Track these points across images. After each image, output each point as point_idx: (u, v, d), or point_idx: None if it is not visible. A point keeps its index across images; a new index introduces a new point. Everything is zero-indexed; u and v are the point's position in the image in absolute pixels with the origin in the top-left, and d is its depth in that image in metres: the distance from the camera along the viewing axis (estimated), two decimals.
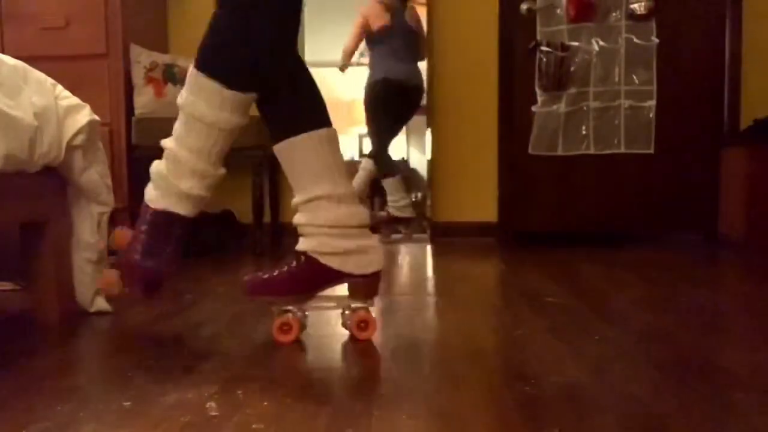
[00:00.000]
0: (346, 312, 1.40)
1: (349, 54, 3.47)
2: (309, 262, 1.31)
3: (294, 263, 1.32)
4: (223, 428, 0.87)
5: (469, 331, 1.42)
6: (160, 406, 0.96)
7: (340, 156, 1.32)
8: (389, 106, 3.28)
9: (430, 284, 2.04)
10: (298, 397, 1.00)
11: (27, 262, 1.55)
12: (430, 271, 2.33)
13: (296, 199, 1.32)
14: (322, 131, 1.29)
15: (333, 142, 1.31)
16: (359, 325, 1.35)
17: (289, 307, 1.35)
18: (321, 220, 1.29)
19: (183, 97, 1.27)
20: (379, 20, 3.29)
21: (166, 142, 1.31)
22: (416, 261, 2.62)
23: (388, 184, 3.33)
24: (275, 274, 1.32)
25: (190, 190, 1.29)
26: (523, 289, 1.91)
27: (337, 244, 1.29)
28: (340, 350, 1.28)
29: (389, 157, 3.33)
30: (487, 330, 1.45)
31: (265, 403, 0.97)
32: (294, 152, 1.29)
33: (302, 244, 1.32)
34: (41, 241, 1.53)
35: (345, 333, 1.41)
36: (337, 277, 1.31)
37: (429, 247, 3.04)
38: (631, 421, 0.88)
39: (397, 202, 3.34)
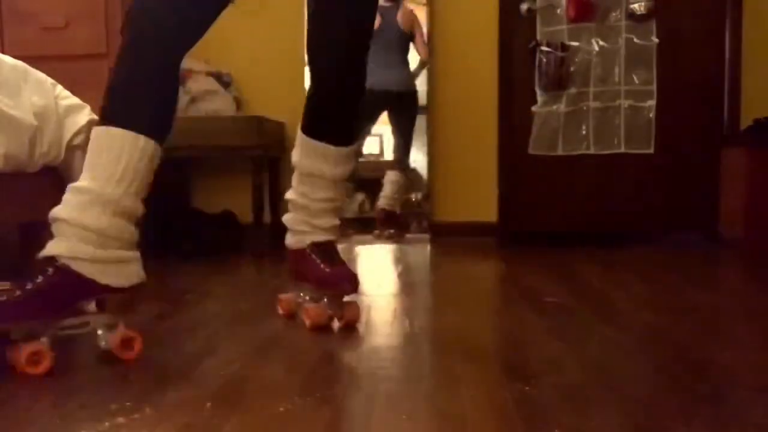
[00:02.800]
0: (102, 332, 1.19)
1: None
2: (60, 272, 1.12)
3: (40, 277, 1.11)
4: (223, 428, 0.87)
5: (469, 331, 1.42)
6: (160, 406, 0.96)
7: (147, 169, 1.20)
8: (367, 114, 3.29)
9: (430, 284, 2.04)
10: (298, 397, 1.00)
11: (27, 262, 1.54)
12: (430, 271, 2.33)
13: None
14: (140, 136, 1.17)
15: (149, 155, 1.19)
16: (124, 343, 1.18)
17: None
18: (86, 219, 1.13)
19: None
20: None
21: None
22: (416, 261, 2.62)
23: (391, 175, 3.35)
24: (17, 293, 1.09)
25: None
26: (523, 289, 1.91)
27: (96, 252, 1.13)
28: (340, 350, 1.28)
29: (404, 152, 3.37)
30: (487, 330, 1.45)
31: (265, 404, 0.97)
32: (114, 140, 1.16)
33: (53, 247, 1.13)
34: (41, 241, 1.53)
35: (344, 333, 1.41)
36: (93, 291, 1.15)
37: (429, 247, 3.04)
38: (631, 421, 0.88)
39: (389, 195, 3.36)
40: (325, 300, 1.43)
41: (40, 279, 1.11)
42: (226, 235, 3.02)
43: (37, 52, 2.69)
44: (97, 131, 1.18)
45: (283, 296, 1.56)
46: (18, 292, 1.09)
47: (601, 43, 3.15)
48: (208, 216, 3.05)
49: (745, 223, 2.85)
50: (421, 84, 3.32)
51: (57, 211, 1.16)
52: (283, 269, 2.39)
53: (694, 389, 1.02)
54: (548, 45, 3.14)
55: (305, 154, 1.46)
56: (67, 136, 1.50)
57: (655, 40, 3.12)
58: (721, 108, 3.15)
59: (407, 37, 3.33)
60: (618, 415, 0.91)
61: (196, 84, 2.93)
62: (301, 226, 1.47)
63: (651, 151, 3.16)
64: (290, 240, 1.50)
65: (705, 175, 3.15)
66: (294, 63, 3.27)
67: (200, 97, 2.92)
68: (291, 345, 1.31)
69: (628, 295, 1.81)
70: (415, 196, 3.44)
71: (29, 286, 1.10)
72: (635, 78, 3.14)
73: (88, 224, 1.13)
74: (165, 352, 1.26)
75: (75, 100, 1.56)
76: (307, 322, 1.41)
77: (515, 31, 3.21)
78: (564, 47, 3.14)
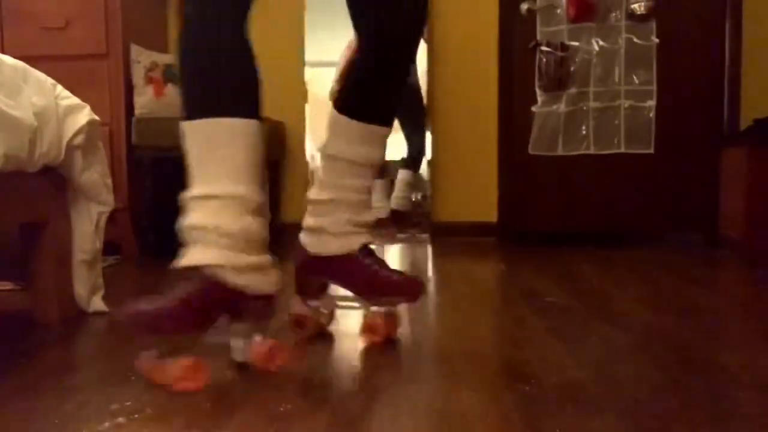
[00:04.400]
0: (239, 343, 1.13)
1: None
2: (207, 282, 1.06)
3: (186, 286, 1.06)
4: (223, 428, 0.87)
5: (469, 331, 1.42)
6: (160, 406, 0.96)
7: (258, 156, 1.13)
8: None
9: (430, 284, 2.04)
10: (298, 397, 1.00)
11: (27, 262, 1.55)
12: (430, 271, 2.33)
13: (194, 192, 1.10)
14: (245, 121, 1.10)
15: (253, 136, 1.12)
16: (269, 354, 1.11)
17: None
18: (223, 223, 1.07)
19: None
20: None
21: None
22: (416, 261, 2.62)
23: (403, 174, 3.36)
24: (165, 304, 1.04)
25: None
26: (523, 289, 1.91)
27: (240, 258, 1.07)
28: (341, 351, 1.28)
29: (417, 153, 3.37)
30: (487, 330, 1.45)
31: (265, 404, 0.97)
32: (212, 134, 1.09)
33: (201, 256, 1.07)
34: (41, 241, 1.53)
35: (345, 333, 1.41)
36: (239, 300, 1.08)
37: (429, 247, 3.04)
38: (631, 421, 0.88)
39: (397, 194, 3.36)
40: (373, 309, 1.31)
41: (191, 288, 1.04)
42: None
43: (37, 52, 2.69)
44: (197, 128, 1.09)
45: (299, 309, 1.36)
46: (163, 303, 1.03)
47: (601, 43, 3.15)
48: None
49: (745, 223, 2.85)
50: (421, 84, 3.32)
51: (189, 220, 1.10)
52: (285, 270, 2.39)
53: (694, 389, 1.02)
54: (548, 45, 3.14)
55: (353, 141, 1.26)
56: (67, 136, 1.50)
57: (655, 40, 3.12)
58: (721, 108, 3.15)
59: None
60: (618, 414, 0.91)
61: None
62: (345, 227, 1.28)
63: (651, 151, 3.16)
64: (330, 246, 1.28)
65: (705, 175, 3.15)
66: (294, 63, 3.27)
67: None
68: (291, 345, 1.31)
69: (628, 295, 1.81)
70: (415, 196, 3.44)
71: (175, 295, 1.04)
72: (635, 78, 3.14)
73: (226, 228, 1.06)
74: (165, 352, 1.26)
75: (75, 100, 1.56)
76: (376, 338, 1.30)
77: (515, 31, 3.21)
78: (564, 47, 3.14)
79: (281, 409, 0.94)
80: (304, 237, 1.34)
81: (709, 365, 1.15)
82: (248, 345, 1.11)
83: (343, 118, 1.27)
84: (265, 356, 1.10)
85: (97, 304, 1.62)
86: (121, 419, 0.90)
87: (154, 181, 2.98)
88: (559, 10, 3.16)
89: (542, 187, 3.25)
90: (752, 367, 1.13)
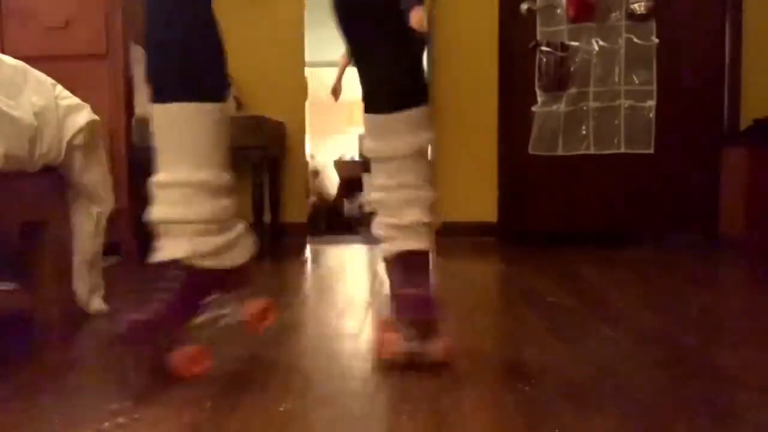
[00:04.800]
0: (231, 308, 1.22)
1: (337, 91, 3.54)
2: (189, 273, 1.08)
3: (174, 283, 1.07)
4: (223, 428, 0.87)
5: (469, 331, 1.42)
6: (160, 406, 0.96)
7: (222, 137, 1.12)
8: None
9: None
10: (298, 397, 1.00)
11: (27, 262, 1.55)
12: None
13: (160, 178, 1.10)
14: (202, 105, 1.09)
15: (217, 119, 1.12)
16: (260, 313, 1.20)
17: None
18: (191, 214, 1.08)
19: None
20: None
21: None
22: None
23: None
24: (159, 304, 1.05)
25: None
26: (523, 289, 1.91)
27: (216, 241, 1.10)
28: (340, 350, 1.28)
29: None
30: (487, 330, 1.45)
31: (265, 404, 0.97)
32: (176, 118, 1.09)
33: (173, 250, 1.08)
34: (41, 241, 1.53)
35: (344, 334, 1.41)
36: (223, 280, 1.13)
37: None
38: (631, 421, 0.88)
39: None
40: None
41: (174, 285, 1.06)
42: None
43: (37, 52, 2.69)
44: (156, 112, 1.09)
45: (387, 336, 1.16)
46: (155, 305, 1.04)
47: (601, 43, 3.15)
48: None
49: (745, 223, 2.85)
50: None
51: (158, 213, 1.09)
52: (285, 270, 2.40)
53: (694, 389, 1.02)
54: (548, 45, 3.14)
55: (372, 137, 1.23)
56: (67, 136, 1.50)
57: (655, 40, 3.12)
58: (721, 108, 3.15)
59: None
60: (618, 415, 0.91)
61: None
62: (379, 230, 1.24)
63: (651, 151, 3.16)
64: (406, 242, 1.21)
65: (705, 175, 3.15)
66: (294, 63, 3.27)
67: None
68: (291, 345, 1.31)
69: (628, 295, 1.81)
70: None
71: (165, 295, 1.05)
72: (635, 78, 3.14)
73: (199, 217, 1.07)
74: (165, 352, 1.25)
75: (75, 100, 1.55)
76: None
77: (515, 31, 3.21)
78: (564, 47, 3.14)
79: (281, 409, 0.94)
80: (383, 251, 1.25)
81: (709, 365, 1.15)
82: (241, 306, 1.18)
83: (366, 118, 1.24)
84: (259, 315, 1.19)
85: (97, 304, 1.62)
86: (121, 419, 0.90)
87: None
88: (559, 10, 3.16)
89: (542, 187, 3.25)
90: (752, 368, 1.13)
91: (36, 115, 1.39)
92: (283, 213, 3.30)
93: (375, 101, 1.21)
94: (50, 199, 1.54)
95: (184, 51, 1.09)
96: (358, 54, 1.24)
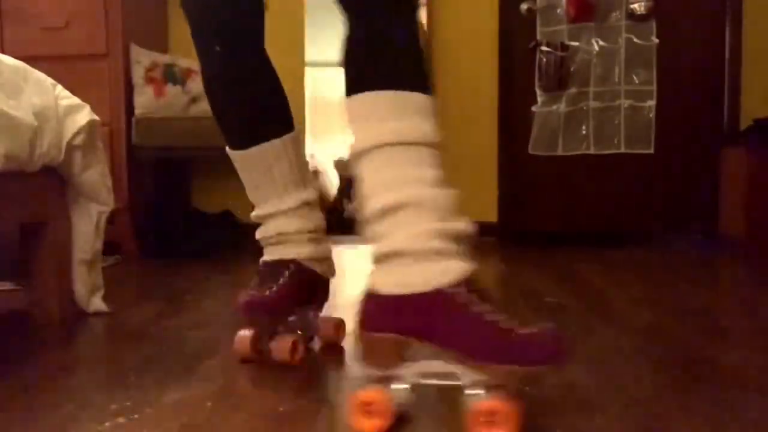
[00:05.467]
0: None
1: None
2: (299, 268, 1.23)
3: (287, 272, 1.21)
4: (223, 428, 0.87)
5: None
6: (160, 406, 0.96)
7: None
8: None
9: None
10: (298, 397, 1.00)
11: (27, 262, 1.55)
12: None
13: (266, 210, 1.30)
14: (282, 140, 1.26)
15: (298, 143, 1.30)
16: (336, 327, 1.32)
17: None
18: (311, 224, 1.25)
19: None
20: None
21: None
22: None
23: None
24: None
25: None
26: (523, 289, 1.91)
27: (322, 249, 1.27)
28: (340, 351, 1.28)
29: None
30: None
31: (265, 404, 0.97)
32: (262, 159, 1.24)
33: (293, 251, 1.23)
34: (41, 241, 1.53)
35: (345, 335, 1.41)
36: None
37: None
38: (631, 421, 0.88)
39: None
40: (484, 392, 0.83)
41: (288, 279, 1.19)
42: (226, 235, 3.02)
43: (37, 52, 2.69)
44: (241, 157, 1.24)
45: (371, 394, 0.85)
46: (274, 288, 1.16)
47: (601, 43, 3.15)
48: (208, 216, 3.05)
49: (745, 223, 2.85)
50: None
51: (264, 230, 1.28)
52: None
53: (694, 389, 1.02)
54: (548, 45, 3.14)
55: (374, 118, 0.94)
56: (67, 136, 1.50)
57: (655, 40, 3.12)
58: (721, 108, 3.15)
59: None
60: (618, 414, 0.91)
61: (196, 84, 2.92)
62: (430, 243, 0.85)
63: (651, 151, 3.16)
64: (413, 277, 0.85)
65: (705, 175, 3.15)
66: (294, 63, 3.27)
67: (200, 97, 2.91)
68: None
69: (628, 295, 1.81)
70: None
71: (282, 281, 1.18)
72: (635, 78, 3.14)
73: (315, 226, 1.25)
74: (165, 352, 1.26)
75: (75, 100, 1.55)
76: None
77: (515, 31, 3.21)
78: (564, 47, 3.14)
79: (281, 409, 0.94)
80: (370, 279, 0.91)
81: (709, 365, 1.15)
82: (317, 321, 1.29)
83: (349, 99, 0.95)
84: (334, 331, 1.28)
85: (97, 304, 1.62)
86: (121, 419, 0.90)
87: (154, 181, 2.98)
88: (559, 10, 3.16)
89: (542, 187, 3.25)
90: (752, 367, 1.13)
91: (36, 115, 1.39)
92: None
93: (370, 76, 0.93)
94: (50, 199, 1.54)
95: (258, 95, 1.26)
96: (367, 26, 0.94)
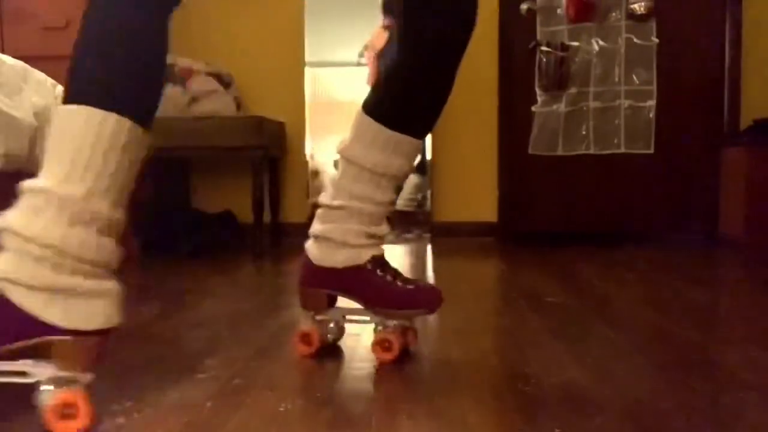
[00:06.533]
0: (45, 388, 0.85)
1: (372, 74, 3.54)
2: None
3: None
4: (223, 428, 0.87)
5: (469, 331, 1.42)
6: (160, 406, 0.96)
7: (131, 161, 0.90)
8: None
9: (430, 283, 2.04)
10: (298, 397, 1.00)
11: None
12: (430, 271, 2.32)
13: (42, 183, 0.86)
14: (111, 115, 0.85)
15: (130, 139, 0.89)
16: (62, 411, 0.84)
17: None
18: (36, 229, 0.83)
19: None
20: (380, 41, 3.34)
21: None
22: (416, 261, 2.62)
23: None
24: None
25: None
26: (523, 289, 1.91)
27: (43, 275, 0.83)
28: (340, 351, 1.28)
29: None
30: (487, 330, 1.45)
31: (265, 404, 0.97)
32: (65, 121, 0.87)
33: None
34: None
35: (345, 335, 1.41)
36: (32, 330, 0.83)
37: (429, 247, 3.04)
38: (631, 421, 0.88)
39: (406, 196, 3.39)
40: (393, 324, 1.19)
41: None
42: (226, 235, 3.02)
43: (37, 52, 2.69)
44: (59, 112, 0.88)
45: (305, 324, 1.24)
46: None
47: (601, 43, 3.15)
48: (208, 216, 3.05)
49: (745, 223, 2.85)
50: None
51: (6, 217, 0.86)
52: (285, 270, 2.40)
53: (694, 389, 1.02)
54: (548, 45, 3.14)
55: (378, 147, 1.16)
56: None
57: (655, 40, 3.12)
58: (721, 108, 3.15)
59: None
60: (618, 414, 0.91)
61: (196, 84, 2.93)
62: (359, 239, 1.18)
63: (651, 151, 3.16)
64: (337, 257, 1.19)
65: (705, 175, 3.15)
66: (294, 63, 3.27)
67: (200, 97, 2.92)
68: (291, 345, 1.31)
69: (628, 294, 1.81)
70: (415, 196, 3.44)
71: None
72: (635, 78, 3.14)
73: (36, 235, 0.82)
74: (165, 352, 1.26)
75: None
76: (387, 356, 1.18)
77: (515, 31, 3.21)
78: (564, 47, 3.14)
79: (281, 409, 0.94)
80: (309, 246, 1.23)
81: (709, 365, 1.15)
82: (51, 394, 0.85)
83: (367, 120, 1.17)
84: (52, 413, 0.84)
85: None
86: (121, 419, 0.90)
87: (153, 181, 2.98)
88: (559, 10, 3.16)
89: (542, 187, 3.25)
90: (752, 367, 1.13)
91: (36, 115, 1.39)
92: (283, 213, 3.30)
93: (403, 120, 1.17)
94: None
95: (141, 64, 0.91)
96: (418, 74, 1.20)
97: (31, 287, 0.83)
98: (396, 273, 1.20)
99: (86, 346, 0.86)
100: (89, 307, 0.85)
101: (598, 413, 0.91)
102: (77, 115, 0.85)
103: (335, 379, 1.10)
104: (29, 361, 0.86)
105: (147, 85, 0.94)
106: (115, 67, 0.89)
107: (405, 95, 1.19)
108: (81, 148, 0.85)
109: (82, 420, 0.84)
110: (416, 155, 1.21)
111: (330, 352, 1.27)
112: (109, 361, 1.21)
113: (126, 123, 0.87)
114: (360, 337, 1.37)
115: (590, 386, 1.03)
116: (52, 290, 0.83)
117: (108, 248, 0.88)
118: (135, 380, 1.08)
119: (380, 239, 1.21)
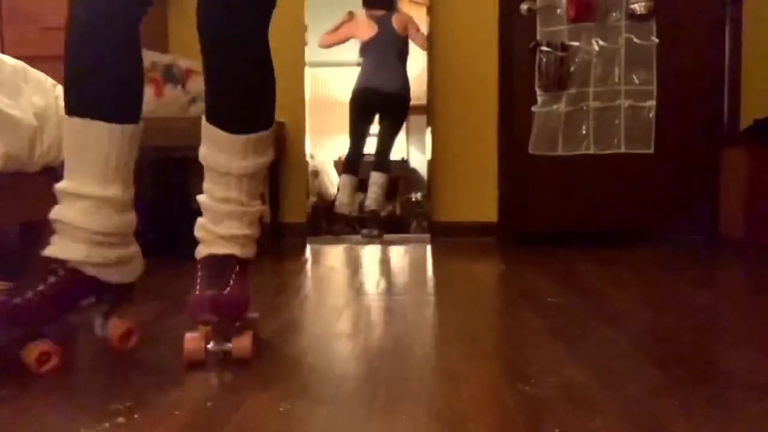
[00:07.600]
0: (100, 321, 1.23)
1: (328, 40, 3.48)
2: (70, 274, 1.13)
3: (51, 278, 1.11)
4: (223, 428, 0.87)
5: (469, 331, 1.42)
6: (160, 406, 0.96)
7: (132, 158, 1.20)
8: (360, 113, 3.36)
9: (430, 284, 2.04)
10: (298, 397, 1.00)
11: (27, 261, 1.54)
12: (430, 271, 2.33)
13: (65, 185, 1.16)
14: (123, 126, 1.16)
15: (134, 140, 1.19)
16: (123, 336, 1.23)
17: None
18: (95, 224, 1.14)
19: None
20: (367, 32, 3.34)
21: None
22: (416, 261, 2.62)
23: (374, 177, 3.39)
24: (29, 295, 1.08)
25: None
26: (523, 289, 1.91)
27: (106, 253, 1.16)
28: (340, 350, 1.28)
29: (356, 160, 3.39)
30: (487, 330, 1.45)
31: (266, 403, 0.97)
32: (86, 134, 1.14)
33: (69, 251, 1.14)
34: (41, 241, 1.53)
35: (344, 334, 1.41)
36: (102, 289, 1.19)
37: (429, 247, 3.04)
38: (631, 421, 0.89)
39: (371, 197, 3.38)
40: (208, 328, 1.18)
41: (51, 280, 1.11)
42: None
43: (37, 52, 2.69)
44: (73, 125, 1.13)
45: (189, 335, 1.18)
46: (30, 294, 1.08)
47: (601, 43, 3.15)
48: None
49: (745, 223, 2.85)
50: (421, 84, 3.32)
51: (61, 214, 1.15)
52: (285, 270, 2.40)
53: (694, 389, 1.02)
54: (548, 45, 3.14)
55: (204, 143, 1.26)
56: None
57: (655, 40, 3.12)
58: (721, 108, 3.15)
59: (404, 42, 3.34)
60: (618, 415, 0.91)
61: (196, 84, 2.93)
62: (200, 233, 1.25)
63: (651, 151, 3.16)
64: (199, 249, 1.26)
65: (705, 175, 3.15)
66: (294, 63, 3.27)
67: (200, 97, 2.92)
68: (291, 345, 1.31)
69: (628, 294, 1.81)
70: (415, 196, 3.44)
71: (41, 287, 1.10)
72: (635, 78, 3.14)
73: (98, 229, 1.14)
74: (165, 352, 1.26)
75: None
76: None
77: (515, 31, 3.21)
78: (564, 47, 3.14)
79: (281, 409, 0.94)
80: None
81: (709, 365, 1.15)
82: (107, 324, 1.22)
83: (203, 121, 1.26)
84: (121, 337, 1.23)
85: None
86: (121, 419, 0.90)
87: (154, 181, 2.98)
88: (559, 10, 3.16)
89: (542, 187, 3.25)
90: (752, 367, 1.13)
91: (36, 115, 1.39)
92: (283, 213, 3.30)
93: (224, 119, 1.23)
94: (50, 199, 1.54)
95: (114, 72, 1.14)
96: (214, 73, 1.24)
97: (102, 264, 1.15)
98: (215, 279, 1.16)
99: (130, 290, 1.25)
100: (132, 266, 1.22)
101: (598, 413, 0.91)
102: (98, 129, 1.12)
103: (335, 379, 1.10)
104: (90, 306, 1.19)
105: (133, 93, 1.18)
106: (104, 79, 1.14)
107: (211, 91, 1.25)
108: (109, 157, 1.14)
109: (133, 341, 1.25)
110: (243, 153, 1.23)
111: (328, 352, 1.27)
112: (109, 361, 1.21)
113: (129, 128, 1.15)
114: (359, 336, 1.37)
115: (590, 386, 1.03)
116: (114, 263, 1.17)
117: (133, 219, 1.21)
118: (135, 380, 1.08)
119: (223, 239, 1.21)
